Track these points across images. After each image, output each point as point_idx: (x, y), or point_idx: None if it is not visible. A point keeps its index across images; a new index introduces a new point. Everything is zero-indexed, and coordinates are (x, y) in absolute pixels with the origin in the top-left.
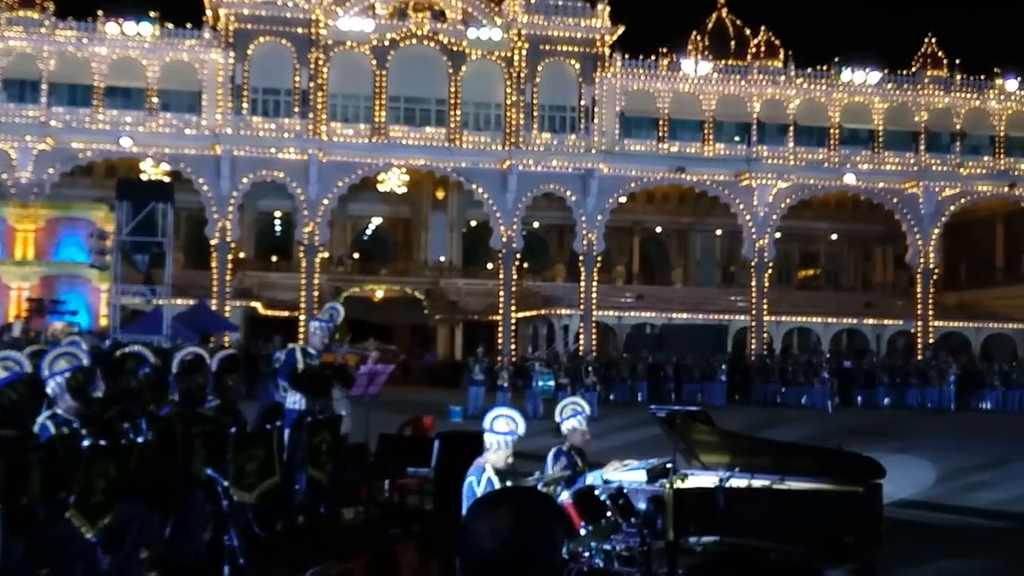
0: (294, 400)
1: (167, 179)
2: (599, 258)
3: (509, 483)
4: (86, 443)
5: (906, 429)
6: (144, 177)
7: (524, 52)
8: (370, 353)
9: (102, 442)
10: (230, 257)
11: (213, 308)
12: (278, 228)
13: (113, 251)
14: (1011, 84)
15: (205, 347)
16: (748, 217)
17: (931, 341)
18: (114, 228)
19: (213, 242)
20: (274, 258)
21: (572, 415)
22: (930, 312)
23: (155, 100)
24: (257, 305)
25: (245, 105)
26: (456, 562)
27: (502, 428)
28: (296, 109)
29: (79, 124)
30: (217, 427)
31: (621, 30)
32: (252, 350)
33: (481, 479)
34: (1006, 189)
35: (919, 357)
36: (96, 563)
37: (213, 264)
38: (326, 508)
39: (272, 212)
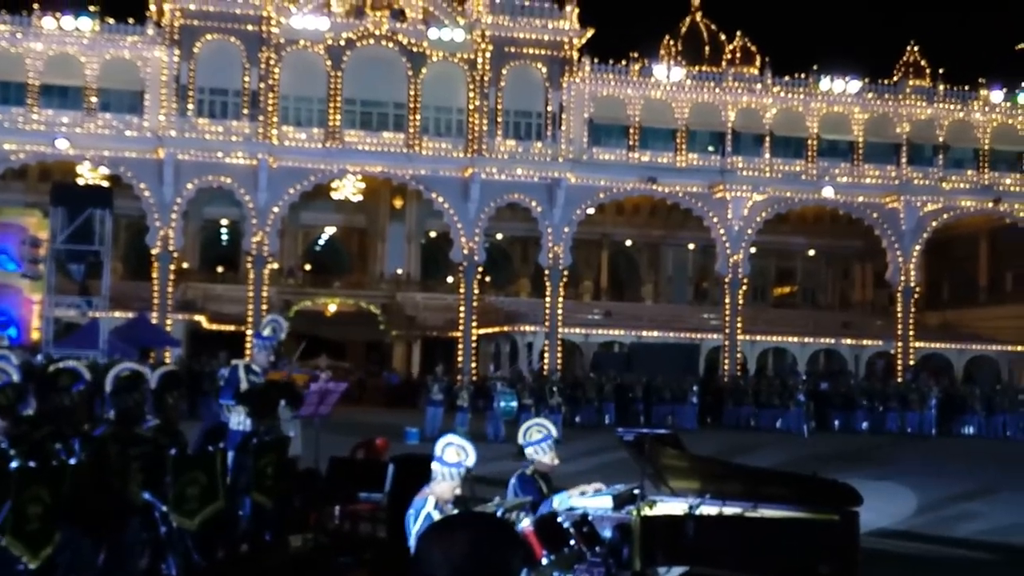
0: (239, 421)
1: (106, 184)
2: (565, 272)
3: (455, 511)
4: (14, 464)
5: (885, 455)
6: (81, 181)
7: (488, 54)
8: (320, 373)
9: (31, 463)
10: (172, 267)
11: (154, 322)
12: (224, 237)
13: (47, 260)
14: (996, 95)
15: (144, 363)
16: (722, 231)
17: (912, 363)
18: (48, 235)
19: (154, 251)
20: (220, 269)
21: (540, 440)
22: (911, 332)
23: (94, 100)
24: (201, 319)
25: (190, 106)
26: None
27: (451, 459)
28: (245, 111)
29: (11, 124)
30: (156, 449)
31: (590, 33)
32: (195, 367)
33: (420, 514)
34: (990, 205)
35: (899, 380)
36: None
37: (154, 275)
38: (272, 535)
39: (218, 220)
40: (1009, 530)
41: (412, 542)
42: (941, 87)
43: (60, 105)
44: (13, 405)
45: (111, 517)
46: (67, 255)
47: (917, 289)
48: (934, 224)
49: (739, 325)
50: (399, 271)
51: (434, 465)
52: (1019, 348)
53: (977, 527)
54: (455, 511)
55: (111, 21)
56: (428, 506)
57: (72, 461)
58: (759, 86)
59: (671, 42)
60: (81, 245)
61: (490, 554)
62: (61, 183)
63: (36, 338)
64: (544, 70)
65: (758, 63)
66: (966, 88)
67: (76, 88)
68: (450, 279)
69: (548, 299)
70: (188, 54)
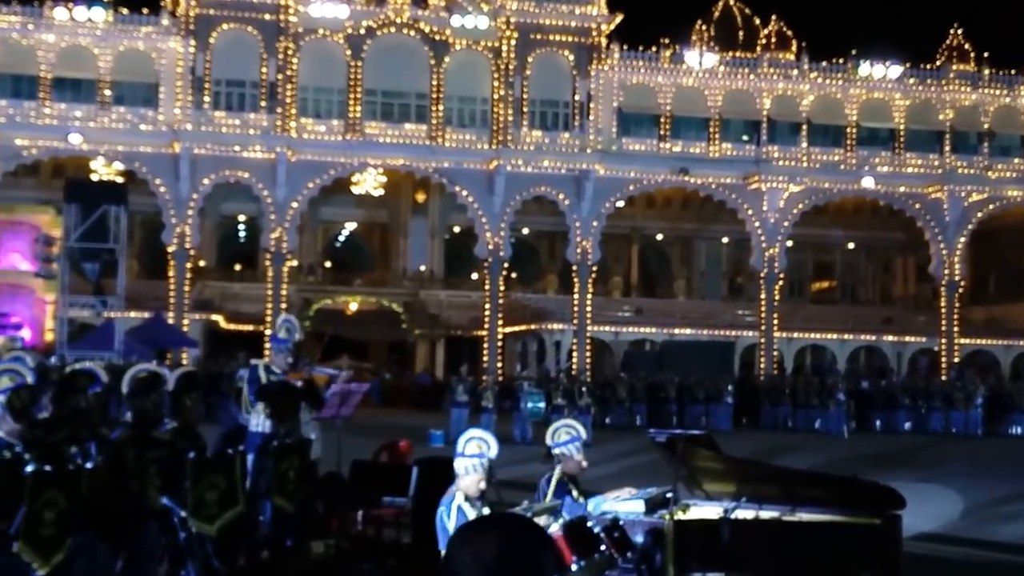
0: (258, 423)
1: (120, 180)
2: (594, 268)
3: (486, 510)
4: (29, 468)
5: (929, 456)
6: (95, 177)
7: (513, 42)
8: (341, 373)
9: (47, 467)
10: (189, 265)
11: (170, 322)
12: (242, 234)
13: (60, 258)
14: None
15: (161, 364)
16: (757, 224)
17: (956, 360)
18: (61, 233)
19: (170, 249)
20: (238, 267)
21: (568, 441)
22: (955, 328)
23: (108, 93)
24: (219, 318)
25: (207, 99)
26: None
27: (472, 451)
28: (263, 103)
29: (24, 119)
30: (174, 452)
31: (619, 18)
32: (213, 368)
33: (451, 509)
34: None
35: (943, 377)
36: None
37: (170, 273)
38: (293, 541)
39: (236, 216)
40: None
41: (446, 539)
42: (986, 71)
43: (73, 99)
44: (28, 408)
45: (128, 522)
46: (81, 253)
47: (962, 283)
48: (979, 215)
49: (775, 322)
50: (422, 268)
51: (457, 462)
52: None
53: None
54: (484, 507)
55: (125, 12)
56: (458, 499)
57: (88, 465)
58: (795, 72)
59: (703, 27)
60: (95, 243)
61: (521, 555)
62: (75, 179)
63: (50, 339)
64: (571, 57)
65: (794, 48)
66: (1012, 72)
67: (89, 81)
68: (475, 276)
69: (576, 296)
70: (204, 45)
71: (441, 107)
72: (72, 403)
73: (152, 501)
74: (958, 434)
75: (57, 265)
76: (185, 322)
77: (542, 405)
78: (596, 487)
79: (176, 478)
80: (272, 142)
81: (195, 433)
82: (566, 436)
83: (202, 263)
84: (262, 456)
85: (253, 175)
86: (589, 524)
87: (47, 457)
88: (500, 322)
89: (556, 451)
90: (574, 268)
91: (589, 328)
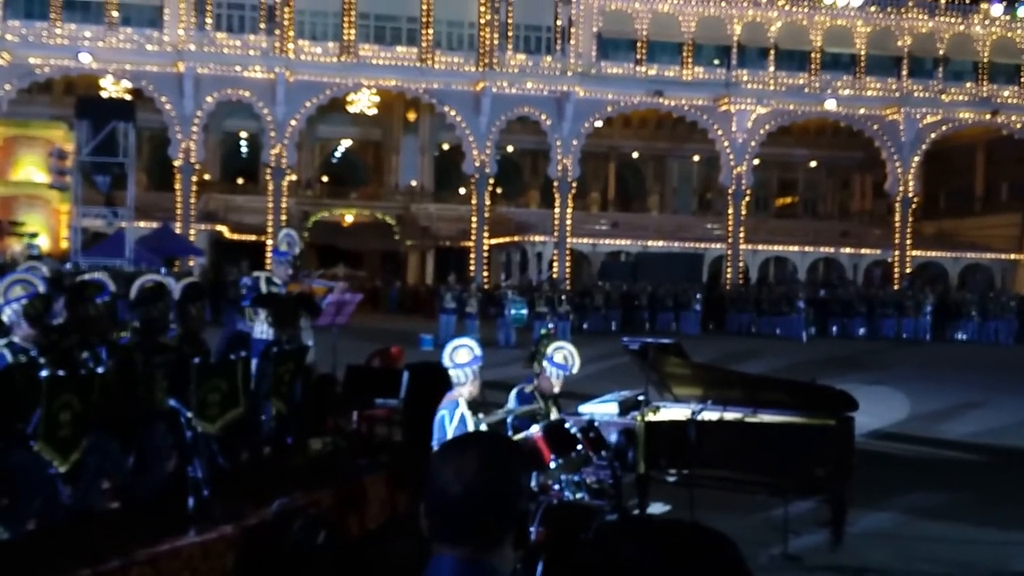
0: (262, 330)
1: (128, 97)
2: (574, 184)
3: (482, 416)
4: (44, 373)
5: (881, 360)
6: (104, 95)
7: None
8: (337, 284)
9: (61, 372)
10: (194, 179)
11: (177, 231)
12: (244, 149)
13: (73, 171)
14: (996, 9)
15: (170, 271)
16: (726, 143)
17: (908, 271)
18: (74, 148)
19: (176, 163)
20: (240, 180)
21: (559, 365)
22: (908, 241)
23: (115, 14)
24: (223, 229)
25: (209, 20)
26: (421, 507)
27: (463, 359)
28: (262, 25)
29: (36, 39)
30: (179, 357)
31: None
32: (218, 275)
33: (454, 414)
34: (988, 116)
35: (896, 287)
36: (57, 494)
37: (177, 186)
38: (293, 439)
39: (238, 133)
40: (999, 432)
41: (442, 439)
42: (942, 1)
43: (83, 19)
44: (42, 315)
45: (137, 422)
46: (92, 167)
47: (915, 199)
48: (933, 136)
49: (742, 235)
50: (413, 183)
51: (451, 372)
52: (1012, 256)
53: (968, 429)
54: (479, 414)
55: None
56: (462, 407)
57: (100, 370)
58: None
59: None
60: (106, 157)
61: (500, 473)
62: (85, 97)
63: (64, 247)
64: None
65: None
66: (967, 2)
67: (98, 2)
68: (462, 190)
69: (557, 210)
70: None
71: (431, 31)
72: (82, 311)
73: (159, 403)
74: (908, 339)
75: (70, 178)
76: (191, 232)
77: (524, 312)
78: (574, 387)
79: (182, 381)
80: (271, 63)
81: (199, 339)
82: (560, 359)
83: (207, 177)
84: (264, 361)
85: (254, 94)
86: (567, 425)
87: (60, 362)
88: (486, 234)
89: (544, 364)
90: (555, 184)
91: (569, 240)
